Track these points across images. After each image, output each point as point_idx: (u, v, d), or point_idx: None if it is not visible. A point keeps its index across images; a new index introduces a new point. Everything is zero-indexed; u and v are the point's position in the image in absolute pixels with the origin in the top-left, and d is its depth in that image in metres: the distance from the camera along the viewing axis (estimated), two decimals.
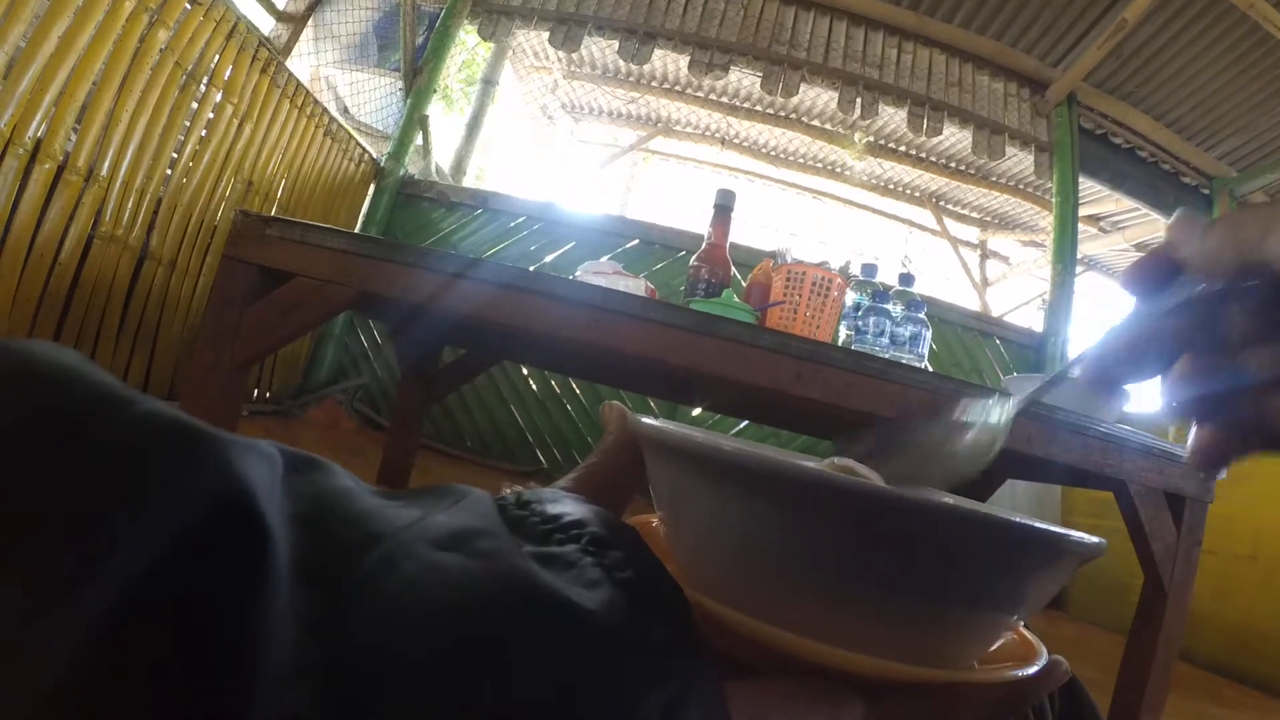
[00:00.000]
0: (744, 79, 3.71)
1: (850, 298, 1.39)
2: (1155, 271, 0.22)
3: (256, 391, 2.62)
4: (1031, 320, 3.40)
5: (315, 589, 0.15)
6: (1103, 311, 4.80)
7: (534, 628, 0.16)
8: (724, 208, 1.31)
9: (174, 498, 0.12)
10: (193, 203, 2.19)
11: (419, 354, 1.58)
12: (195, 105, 2.09)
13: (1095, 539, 0.23)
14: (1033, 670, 0.23)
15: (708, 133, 4.71)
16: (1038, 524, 0.22)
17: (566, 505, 0.22)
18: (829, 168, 4.70)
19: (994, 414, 0.27)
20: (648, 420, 0.27)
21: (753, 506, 0.23)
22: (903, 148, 4.26)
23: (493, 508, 0.20)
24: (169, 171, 2.08)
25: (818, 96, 3.81)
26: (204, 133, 2.16)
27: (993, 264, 5.08)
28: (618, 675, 0.17)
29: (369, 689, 0.14)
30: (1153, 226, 4.05)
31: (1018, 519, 0.22)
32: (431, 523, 0.18)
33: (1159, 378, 0.23)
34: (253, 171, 2.39)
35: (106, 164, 1.84)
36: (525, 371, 2.94)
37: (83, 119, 1.75)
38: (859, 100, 3.19)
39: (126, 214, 1.95)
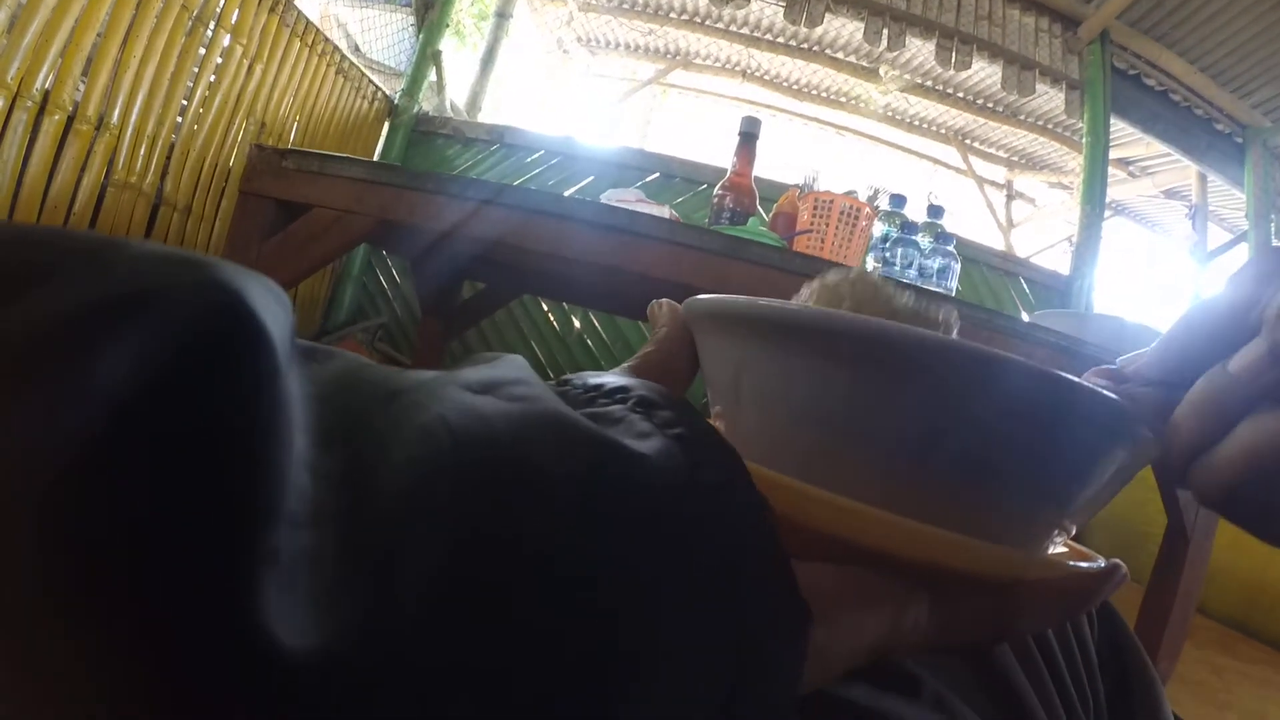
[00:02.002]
0: (766, 9, 3.57)
1: (878, 229, 1.35)
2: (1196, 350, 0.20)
3: None
4: (1057, 263, 3.32)
5: (336, 450, 0.14)
6: (1127, 257, 4.71)
7: (578, 463, 0.14)
8: (749, 135, 1.27)
9: (158, 303, 0.11)
10: (206, 147, 2.17)
11: (438, 289, 1.57)
12: (204, 49, 2.05)
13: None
14: (1095, 565, 0.23)
15: (728, 65, 4.56)
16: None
17: (608, 377, 0.20)
18: (853, 102, 4.55)
19: None
20: (703, 295, 0.25)
21: (829, 369, 0.21)
22: (929, 83, 4.11)
23: (528, 366, 0.19)
24: (180, 118, 2.05)
25: (843, 27, 3.66)
26: (214, 76, 2.12)
27: (1018, 205, 4.96)
28: (676, 521, 0.15)
29: (394, 527, 0.12)
30: (1183, 173, 3.93)
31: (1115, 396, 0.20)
32: (461, 373, 0.17)
33: None
34: (265, 113, 2.35)
35: (117, 112, 1.81)
36: (545, 307, 2.92)
37: (90, 68, 1.72)
38: (886, 31, 3.07)
39: (139, 161, 1.93)
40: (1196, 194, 3.88)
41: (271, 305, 0.13)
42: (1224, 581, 2.18)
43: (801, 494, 0.21)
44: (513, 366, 0.18)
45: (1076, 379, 0.20)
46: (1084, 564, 0.23)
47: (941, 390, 0.20)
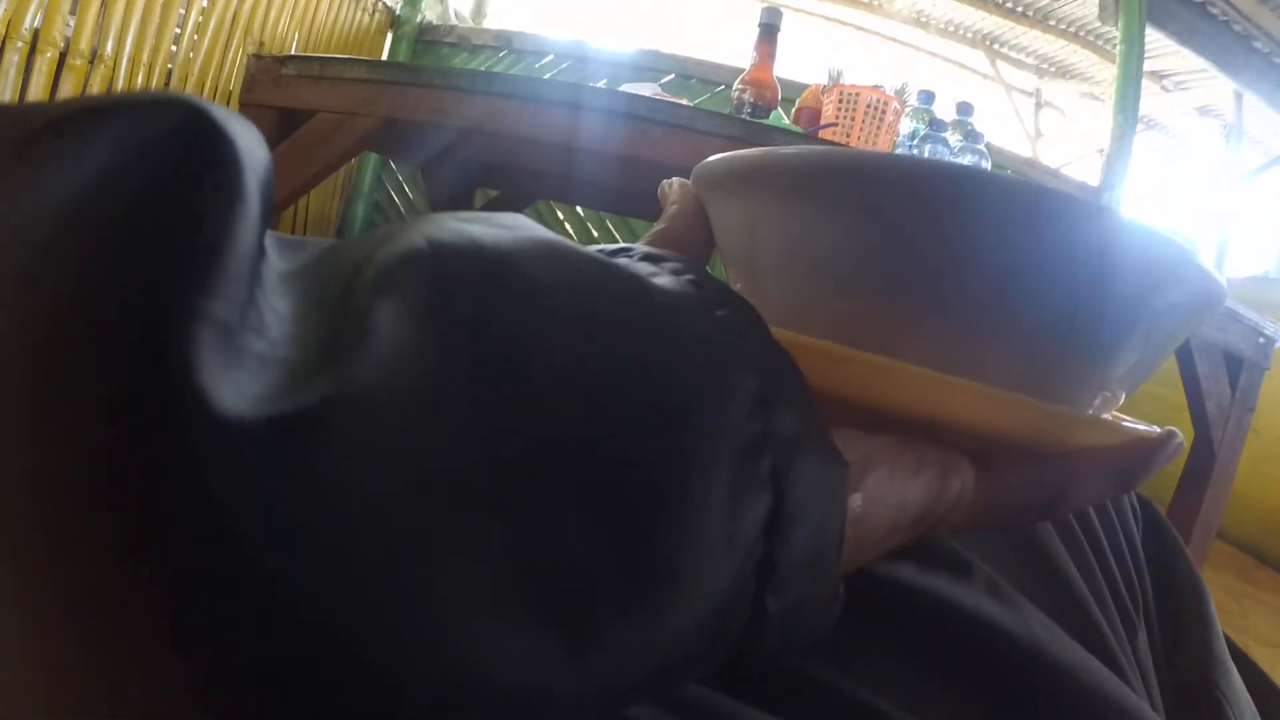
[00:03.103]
0: None
1: (906, 125, 1.29)
2: None
3: None
4: (1087, 174, 3.21)
5: (313, 287, 0.12)
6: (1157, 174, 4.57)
7: (584, 277, 0.13)
8: (770, 27, 1.20)
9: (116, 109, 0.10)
10: (204, 71, 2.12)
11: (450, 197, 1.54)
12: None
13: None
14: (1152, 429, 0.21)
15: None
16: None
17: (612, 247, 0.18)
18: (878, 4, 4.34)
19: None
20: (715, 155, 0.23)
21: (848, 215, 0.19)
22: None
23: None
24: (175, 45, 1.99)
25: None
26: (205, 3, 2.06)
27: (1047, 114, 4.78)
28: (694, 344, 0.13)
29: (360, 314, 0.11)
30: (1218, 91, 3.75)
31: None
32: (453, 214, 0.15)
33: None
34: (263, 32, 2.29)
35: (110, 44, 1.77)
36: (560, 215, 2.88)
37: (78, 4, 1.67)
38: None
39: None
40: (1232, 113, 3.72)
41: (243, 132, 0.11)
42: (1242, 507, 2.17)
43: (829, 353, 0.18)
44: (512, 215, 0.16)
45: (1126, 216, 0.18)
46: (1142, 426, 0.21)
47: (974, 226, 0.18)
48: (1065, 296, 0.19)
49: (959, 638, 0.23)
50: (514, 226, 0.14)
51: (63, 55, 1.67)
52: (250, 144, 0.11)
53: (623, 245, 0.18)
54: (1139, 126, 3.33)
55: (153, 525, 0.08)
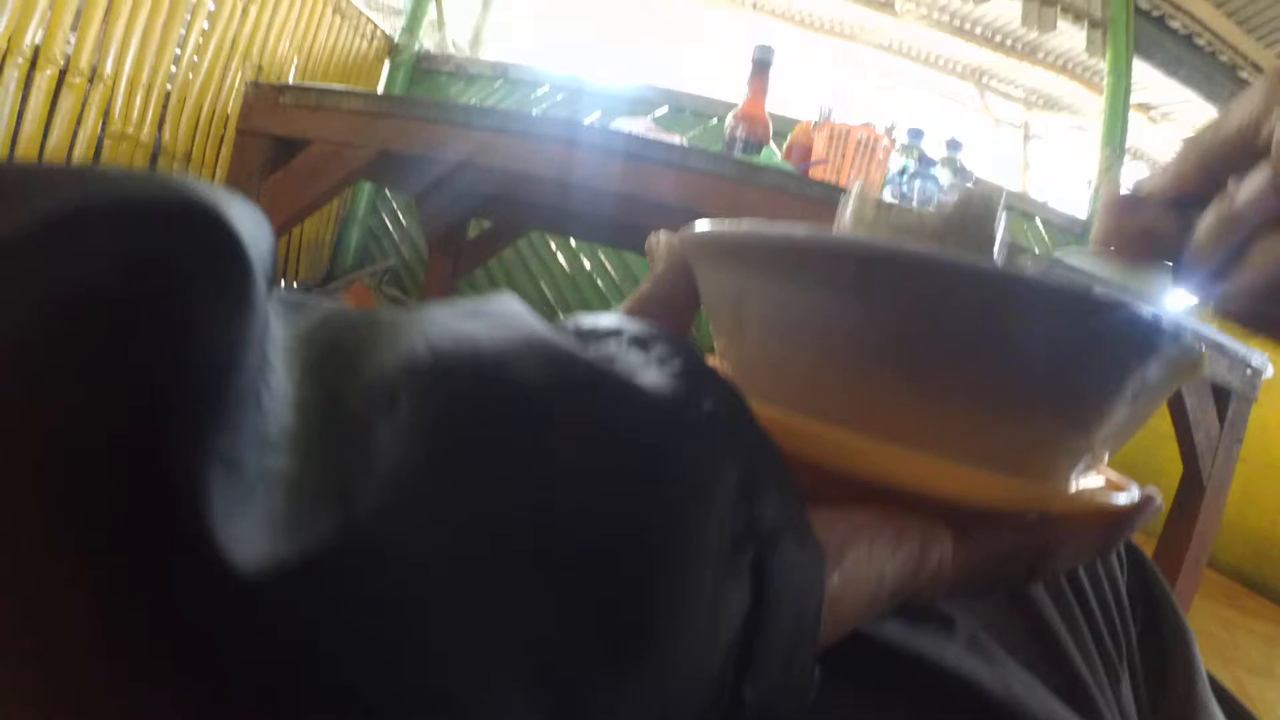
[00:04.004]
0: None
1: (895, 161, 1.31)
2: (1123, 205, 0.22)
3: (283, 281, 2.62)
4: (1075, 205, 3.25)
5: (314, 380, 0.13)
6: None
7: (574, 392, 0.13)
8: (762, 63, 1.22)
9: (126, 209, 0.11)
10: (203, 94, 2.13)
11: (445, 227, 1.54)
12: None
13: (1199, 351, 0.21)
14: (1130, 496, 0.21)
15: None
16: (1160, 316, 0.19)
17: (603, 319, 0.19)
18: (868, 37, 4.41)
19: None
20: (699, 224, 0.23)
21: (834, 298, 0.20)
22: (946, 18, 3.97)
23: (519, 302, 0.17)
24: (175, 66, 2.01)
25: None
26: (207, 22, 2.07)
27: (1035, 146, 4.85)
28: (681, 446, 0.13)
29: (365, 431, 0.11)
30: (1204, 121, 3.82)
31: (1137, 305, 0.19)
32: (450, 305, 0.15)
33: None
34: (262, 56, 2.30)
35: (109, 63, 1.78)
36: (554, 246, 2.90)
37: (79, 20, 1.68)
38: None
39: (135, 112, 1.90)
40: None
41: (247, 220, 0.12)
42: (1233, 534, 2.18)
43: (809, 433, 0.19)
44: (503, 300, 0.16)
45: (1102, 293, 0.18)
46: (1117, 495, 0.21)
47: (955, 312, 0.19)
48: (1051, 377, 0.19)
49: (937, 695, 0.23)
50: (509, 323, 0.14)
51: (62, 73, 1.68)
52: (253, 232, 0.12)
53: (613, 325, 0.18)
54: (1127, 158, 3.38)
55: (164, 676, 0.09)
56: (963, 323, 0.19)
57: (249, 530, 0.09)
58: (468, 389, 0.12)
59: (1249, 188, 0.19)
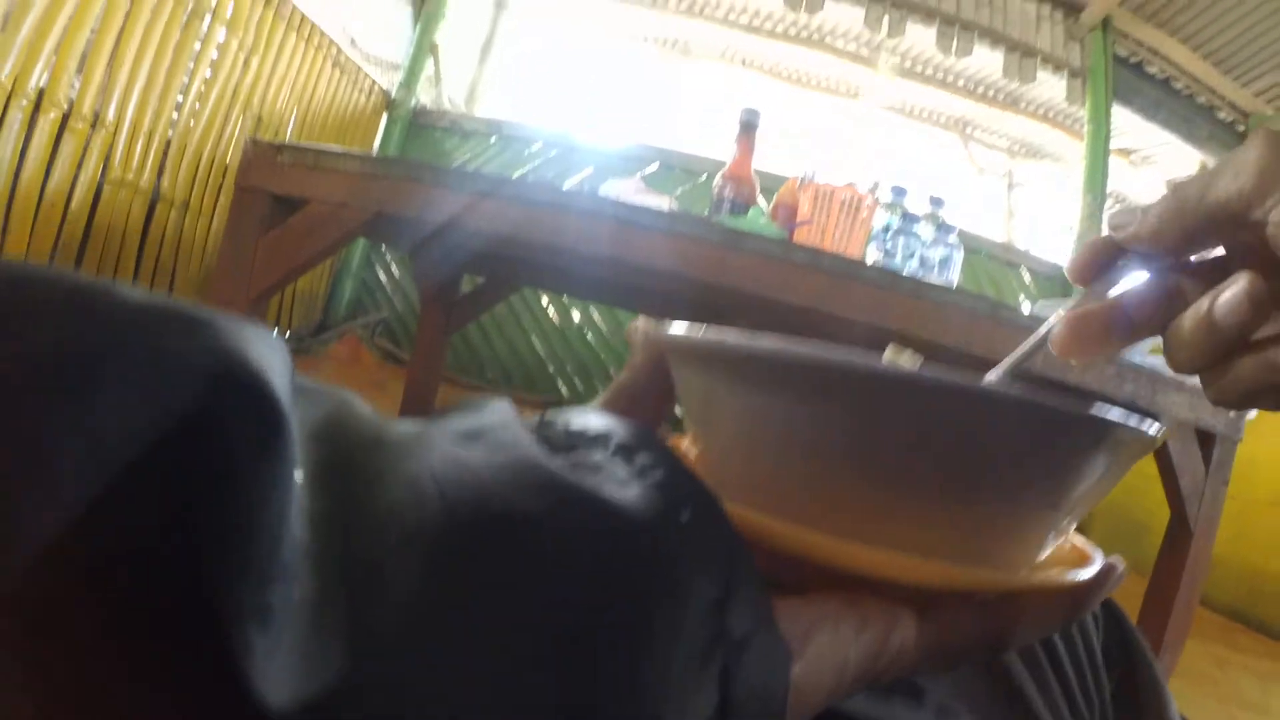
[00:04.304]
0: None
1: (879, 219, 1.35)
2: (1100, 258, 0.22)
3: (276, 330, 2.63)
4: (1058, 252, 3.31)
5: (326, 493, 0.14)
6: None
7: (562, 516, 0.15)
8: (749, 125, 1.26)
9: (174, 371, 0.11)
10: (202, 142, 2.16)
11: (438, 282, 1.56)
12: (199, 43, 2.04)
13: (1156, 426, 0.21)
14: (1090, 573, 0.22)
15: (728, 54, 4.53)
16: (1106, 410, 0.20)
17: (590, 419, 0.20)
18: (853, 91, 4.52)
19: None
20: (673, 327, 0.25)
21: (792, 405, 0.21)
22: (930, 70, 4.08)
23: (512, 411, 0.19)
24: (176, 113, 2.04)
25: (843, 14, 3.63)
26: (209, 71, 2.11)
27: (1019, 193, 4.94)
28: (657, 568, 0.15)
29: (372, 573, 0.13)
30: (1185, 163, 3.91)
31: (1082, 406, 0.20)
32: (449, 423, 0.17)
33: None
34: (261, 107, 2.34)
35: (112, 109, 1.80)
36: (545, 301, 2.92)
37: (85, 65, 1.71)
38: (886, 18, 3.05)
39: (135, 158, 1.93)
40: None
41: (273, 360, 0.13)
42: (1225, 572, 2.17)
43: (773, 530, 0.20)
44: (497, 412, 0.18)
45: (1047, 401, 0.19)
46: (1077, 571, 0.22)
47: (907, 420, 0.20)
48: (1003, 477, 0.20)
49: None
50: (505, 446, 0.16)
51: (65, 117, 1.70)
52: (280, 370, 0.13)
53: (600, 429, 0.19)
54: (1110, 202, 3.45)
55: None
56: (914, 430, 0.20)
57: (278, 670, 0.11)
58: (471, 527, 0.13)
59: (1228, 299, 0.19)
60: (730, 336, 0.22)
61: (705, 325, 0.28)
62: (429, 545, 0.13)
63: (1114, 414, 0.20)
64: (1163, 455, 1.07)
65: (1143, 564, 1.22)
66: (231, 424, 0.11)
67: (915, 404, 0.19)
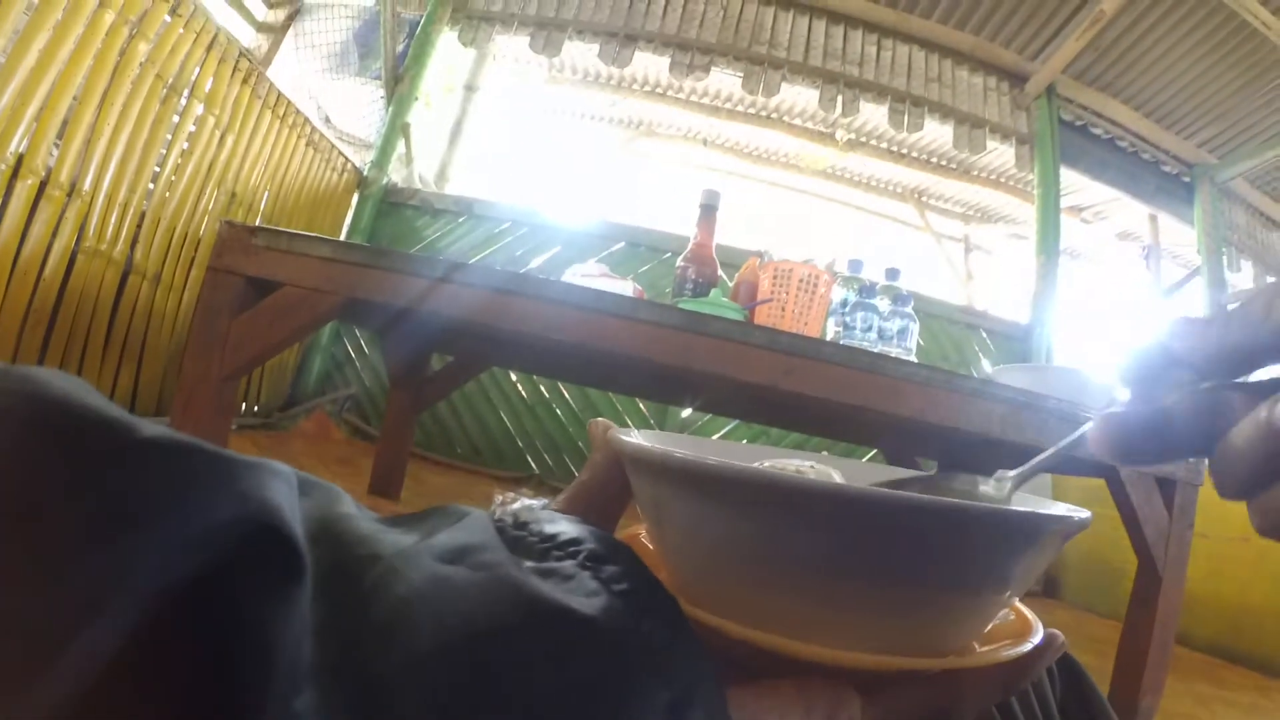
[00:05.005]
0: (725, 80, 3.72)
1: (838, 294, 1.40)
2: (1152, 365, 0.21)
3: (245, 405, 2.60)
4: (1016, 312, 3.43)
5: (323, 601, 0.16)
6: (1084, 302, 4.85)
7: (537, 631, 0.17)
8: (709, 207, 1.32)
9: (207, 521, 0.13)
10: (176, 216, 2.18)
11: (407, 361, 1.58)
12: (177, 118, 2.08)
13: (1077, 515, 0.23)
14: (1028, 647, 0.24)
15: (691, 134, 4.72)
16: (1019, 509, 0.22)
17: (562, 525, 0.22)
18: (811, 165, 4.72)
19: (995, 491, 0.26)
20: (622, 435, 0.27)
21: (724, 514, 0.23)
22: (884, 144, 4.28)
23: (491, 526, 0.21)
24: (151, 185, 2.06)
25: (799, 95, 3.82)
26: (186, 145, 2.14)
27: (976, 257, 5.12)
28: (621, 676, 0.17)
29: (375, 689, 0.15)
30: (1135, 216, 4.10)
31: (996, 508, 0.22)
32: (434, 540, 0.19)
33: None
34: (236, 183, 2.37)
35: (89, 178, 1.82)
36: (514, 377, 2.93)
37: (64, 134, 1.74)
38: (840, 98, 3.21)
39: (110, 228, 1.93)
40: (1149, 234, 4.04)
41: (288, 496, 0.15)
42: (1204, 609, 2.20)
43: (727, 630, 0.22)
44: (475, 530, 0.20)
45: (972, 507, 0.21)
46: (1019, 645, 0.24)
47: (840, 532, 0.21)
48: (935, 578, 0.21)
49: None
50: (486, 564, 0.18)
51: (43, 184, 1.70)
52: (292, 502, 0.15)
53: (572, 536, 0.21)
54: (1064, 259, 3.59)
55: None
56: (846, 540, 0.21)
57: None
58: (459, 645, 0.16)
59: None
60: (676, 450, 0.24)
61: (654, 434, 0.31)
62: (423, 662, 0.15)
63: (1028, 510, 0.22)
64: (1125, 506, 1.09)
65: (1118, 610, 1.22)
66: (264, 571, 0.14)
67: (842, 514, 0.21)
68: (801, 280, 1.25)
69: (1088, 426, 0.21)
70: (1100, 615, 2.55)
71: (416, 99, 3.20)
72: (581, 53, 3.73)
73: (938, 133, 3.66)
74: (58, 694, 0.11)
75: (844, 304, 1.38)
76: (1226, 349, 0.19)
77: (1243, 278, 3.59)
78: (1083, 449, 0.22)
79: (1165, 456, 0.20)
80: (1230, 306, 0.20)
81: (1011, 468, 0.26)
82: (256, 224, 1.85)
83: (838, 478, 0.31)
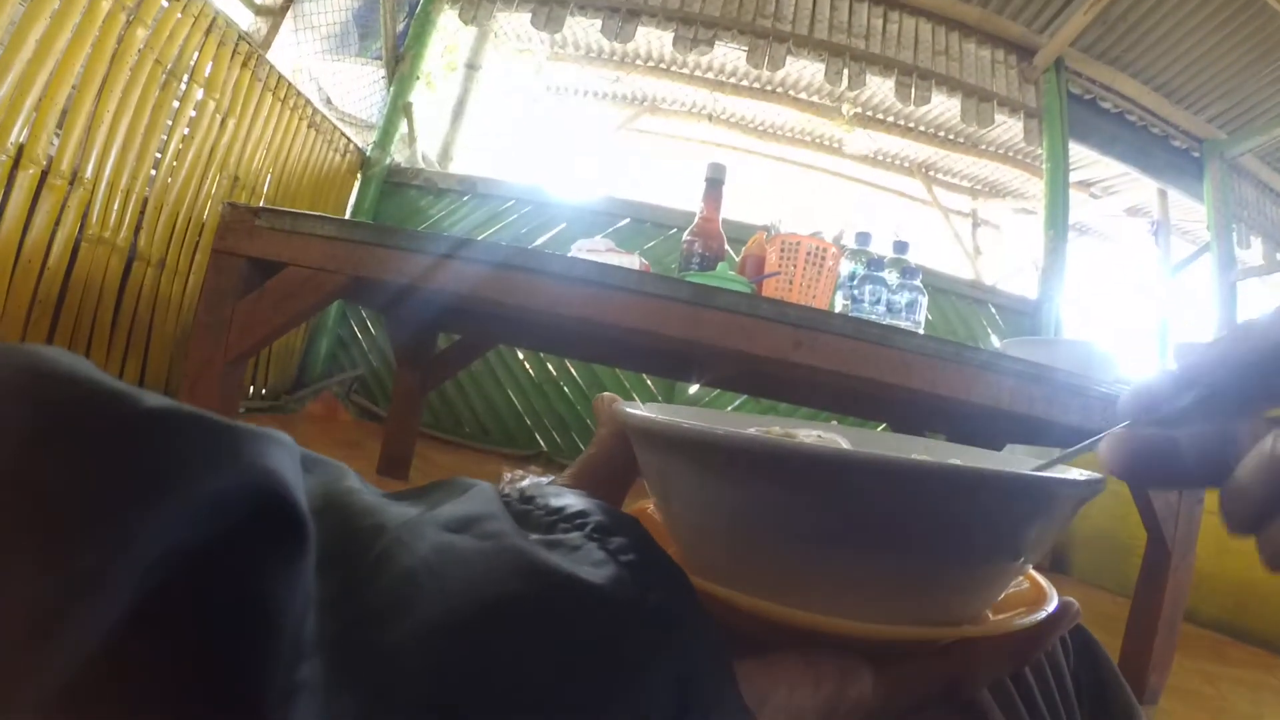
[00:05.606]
0: (729, 54, 3.67)
1: (845, 267, 1.39)
2: (1163, 393, 0.20)
3: (252, 388, 2.61)
4: (1025, 286, 3.39)
5: (329, 574, 0.16)
6: (1093, 277, 4.81)
7: (543, 599, 0.17)
8: (715, 181, 1.30)
9: (210, 491, 0.13)
10: (179, 201, 2.17)
11: (414, 341, 1.58)
12: (177, 103, 2.06)
13: (1089, 477, 0.22)
14: (1043, 615, 0.23)
15: (695, 109, 4.67)
16: (1031, 472, 0.22)
17: (569, 498, 0.22)
18: (818, 141, 4.67)
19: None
20: (627, 407, 0.27)
21: (730, 483, 0.23)
22: (891, 118, 4.23)
23: (497, 498, 0.21)
24: (154, 171, 2.06)
25: (804, 69, 3.77)
26: (187, 130, 2.14)
27: (984, 231, 5.07)
28: (629, 646, 0.17)
29: (381, 658, 0.14)
30: (1144, 191, 4.05)
31: (1008, 471, 0.21)
32: (439, 511, 0.19)
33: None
34: (238, 167, 2.37)
35: (90, 166, 1.82)
36: (521, 355, 2.93)
37: (64, 122, 1.73)
38: (846, 71, 3.16)
39: (113, 216, 1.93)
40: (1158, 210, 4.00)
41: (293, 466, 0.15)
42: (1212, 587, 2.20)
43: (736, 602, 0.22)
44: (481, 500, 0.20)
45: (983, 471, 0.20)
46: (1032, 614, 0.23)
47: (848, 499, 0.21)
48: (950, 547, 0.21)
49: None
50: (492, 534, 0.18)
51: (44, 173, 1.70)
52: (296, 473, 0.15)
53: (579, 508, 0.21)
54: (1072, 235, 3.56)
55: None
56: (854, 504, 0.21)
57: None
58: (468, 612, 0.15)
59: None
60: (682, 421, 0.24)
61: (660, 406, 0.30)
62: (429, 631, 0.15)
63: (1038, 473, 0.21)
64: None
65: (1127, 586, 1.22)
66: (268, 540, 0.13)
67: (850, 481, 0.20)
68: (809, 254, 1.23)
69: (1099, 439, 0.21)
70: (1109, 591, 2.55)
71: (418, 79, 3.17)
72: (583, 28, 3.68)
73: (945, 106, 3.61)
74: (61, 666, 0.11)
75: (852, 277, 1.36)
76: (1233, 361, 0.19)
77: (1252, 254, 3.55)
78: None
79: (1173, 484, 0.20)
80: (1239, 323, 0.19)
81: (1019, 443, 0.25)
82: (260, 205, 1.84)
83: (845, 446, 0.30)
